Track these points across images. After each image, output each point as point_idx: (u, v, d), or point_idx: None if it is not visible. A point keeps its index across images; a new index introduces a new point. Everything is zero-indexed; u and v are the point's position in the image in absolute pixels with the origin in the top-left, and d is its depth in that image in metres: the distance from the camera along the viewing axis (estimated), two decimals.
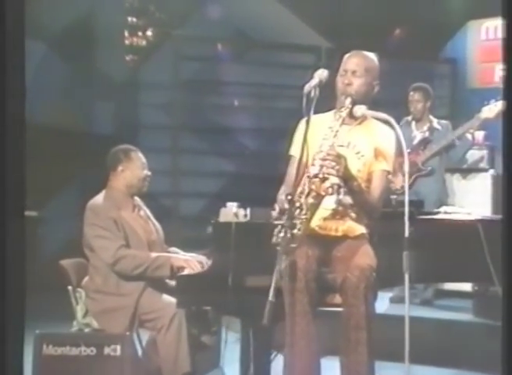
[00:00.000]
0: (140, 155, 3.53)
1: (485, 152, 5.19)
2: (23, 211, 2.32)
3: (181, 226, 6.70)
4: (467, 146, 4.82)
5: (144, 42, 7.38)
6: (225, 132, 7.30)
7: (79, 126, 6.88)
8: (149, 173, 3.52)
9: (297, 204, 2.56)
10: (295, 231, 2.53)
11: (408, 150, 4.91)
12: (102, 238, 3.33)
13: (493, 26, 7.63)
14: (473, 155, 5.15)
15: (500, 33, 7.57)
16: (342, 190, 2.69)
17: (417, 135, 4.91)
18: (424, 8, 7.14)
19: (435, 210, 3.52)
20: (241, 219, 2.94)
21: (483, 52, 7.61)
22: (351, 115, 2.80)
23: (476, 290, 4.36)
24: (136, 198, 3.56)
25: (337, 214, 2.75)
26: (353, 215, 2.76)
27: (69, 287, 3.41)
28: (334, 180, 2.63)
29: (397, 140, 2.79)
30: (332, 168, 2.56)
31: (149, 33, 7.42)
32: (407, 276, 2.44)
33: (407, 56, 7.43)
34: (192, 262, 3.29)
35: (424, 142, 4.86)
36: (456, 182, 5.07)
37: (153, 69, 7.14)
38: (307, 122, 2.89)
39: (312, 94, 2.63)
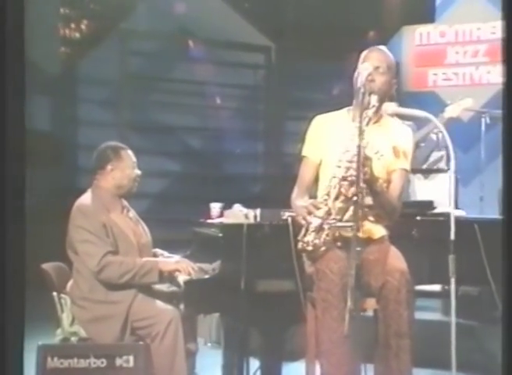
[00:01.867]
0: (130, 153, 3.27)
1: (443, 153, 5.23)
2: (23, 211, 2.20)
3: None
4: (431, 146, 4.84)
5: (78, 35, 7.01)
6: (169, 131, 7.06)
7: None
8: (139, 173, 3.27)
9: (325, 208, 2.43)
10: (323, 236, 2.41)
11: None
12: (89, 243, 3.04)
13: (426, 32, 7.79)
14: (433, 155, 5.18)
15: (432, 39, 7.78)
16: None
17: None
18: (360, 12, 7.20)
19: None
20: (251, 220, 2.77)
21: (417, 57, 7.76)
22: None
23: (446, 289, 4.38)
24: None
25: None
26: (371, 217, 2.63)
27: (54, 294, 3.13)
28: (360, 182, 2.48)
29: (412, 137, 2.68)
30: (357, 171, 2.41)
31: (84, 25, 7.07)
32: (453, 281, 2.34)
33: (344, 58, 7.47)
34: (183, 263, 3.07)
35: None
36: (417, 182, 5.08)
37: (93, 64, 6.80)
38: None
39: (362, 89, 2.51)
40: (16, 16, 2.20)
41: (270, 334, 2.66)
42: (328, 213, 2.44)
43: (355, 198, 2.38)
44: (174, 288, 3.12)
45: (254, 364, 2.89)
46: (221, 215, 3.68)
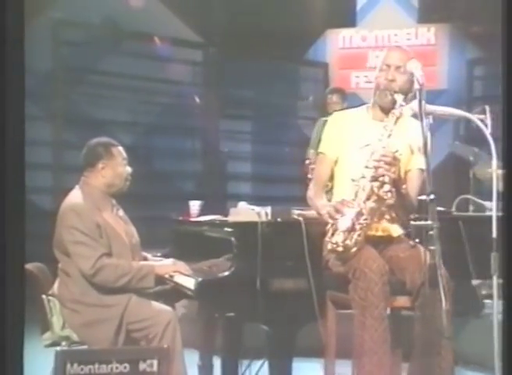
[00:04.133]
0: (121, 150, 3.09)
1: None
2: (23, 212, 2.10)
3: None
4: None
5: None
6: (98, 125, 6.77)
7: None
8: (130, 171, 3.11)
9: (357, 208, 2.40)
10: (355, 236, 2.38)
11: None
12: (82, 245, 2.85)
13: (349, 36, 8.00)
14: None
15: (355, 43, 7.99)
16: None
17: None
18: (287, 14, 7.26)
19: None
20: (263, 218, 2.70)
21: (341, 59, 7.95)
22: (387, 111, 2.61)
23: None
24: None
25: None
26: (387, 216, 2.61)
27: (44, 296, 2.92)
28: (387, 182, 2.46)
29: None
30: (388, 171, 2.41)
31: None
32: (495, 278, 2.33)
33: (274, 59, 7.51)
34: (180, 266, 2.96)
35: None
36: None
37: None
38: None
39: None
40: (16, 16, 2.13)
41: (283, 333, 2.59)
42: (360, 214, 2.41)
43: (389, 198, 2.37)
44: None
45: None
46: (201, 213, 3.59)
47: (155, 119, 7.07)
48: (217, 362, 3.34)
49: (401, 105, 2.53)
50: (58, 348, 2.41)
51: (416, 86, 2.32)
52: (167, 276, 2.97)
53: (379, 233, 2.59)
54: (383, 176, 2.41)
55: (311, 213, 2.76)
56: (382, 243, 2.54)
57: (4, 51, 2.12)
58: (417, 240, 2.26)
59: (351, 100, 7.75)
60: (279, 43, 7.19)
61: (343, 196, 2.58)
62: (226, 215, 3.07)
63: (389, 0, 8.04)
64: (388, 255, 2.51)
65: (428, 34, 7.90)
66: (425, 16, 7.89)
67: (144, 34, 6.82)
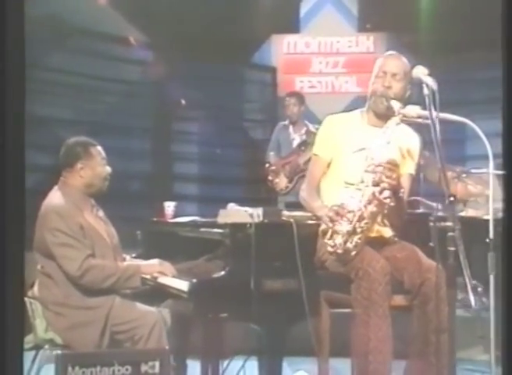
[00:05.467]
0: (100, 149, 3.01)
1: None
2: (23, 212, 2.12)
3: None
4: None
5: None
6: (40, 122, 6.54)
7: None
8: (110, 170, 3.03)
9: (359, 212, 2.43)
10: (355, 239, 2.41)
11: (289, 152, 5.09)
12: (67, 247, 2.77)
13: (293, 42, 8.08)
14: None
15: (299, 49, 8.08)
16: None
17: (296, 138, 5.03)
18: (232, 18, 7.28)
19: None
20: (256, 219, 2.69)
21: (285, 64, 8.02)
22: (381, 117, 2.66)
23: None
24: None
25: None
26: (378, 219, 2.62)
27: (26, 299, 2.82)
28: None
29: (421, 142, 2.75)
30: (389, 177, 2.44)
31: None
32: (492, 278, 2.38)
33: (221, 61, 7.49)
34: (166, 266, 2.91)
35: (304, 144, 4.97)
36: None
37: None
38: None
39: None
40: (16, 16, 2.16)
41: (275, 333, 2.60)
42: (362, 217, 2.44)
43: (389, 202, 2.41)
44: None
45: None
46: (175, 214, 3.55)
47: (101, 118, 6.90)
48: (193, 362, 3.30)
49: (399, 113, 2.55)
50: (58, 352, 2.31)
51: (425, 91, 2.32)
52: (149, 277, 2.92)
53: (373, 235, 2.63)
54: (383, 182, 2.44)
55: (301, 214, 2.78)
56: (376, 244, 2.58)
57: (4, 50, 2.07)
58: (431, 243, 2.29)
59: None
60: (227, 46, 7.18)
61: (334, 198, 2.61)
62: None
63: (331, 8, 8.18)
64: (384, 255, 2.55)
65: (368, 43, 8.11)
66: (364, 24, 8.08)
67: (90, 32, 6.64)
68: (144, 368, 2.29)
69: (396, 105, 2.56)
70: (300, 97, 5.18)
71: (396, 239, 2.68)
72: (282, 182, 4.79)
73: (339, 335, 2.63)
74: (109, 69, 6.74)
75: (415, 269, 2.50)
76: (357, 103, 8.03)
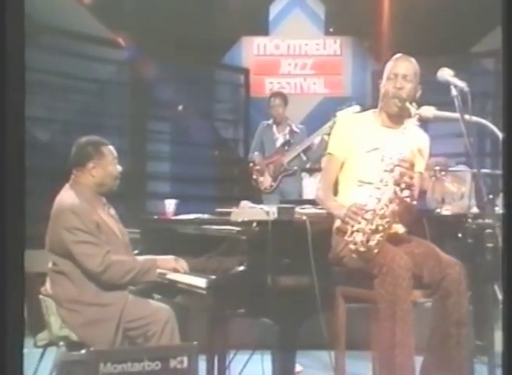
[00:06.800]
0: (111, 148, 3.00)
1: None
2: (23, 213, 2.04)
3: None
4: (324, 147, 5.07)
5: None
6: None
7: None
8: (120, 169, 3.02)
9: (381, 211, 2.48)
10: (377, 237, 2.46)
11: (273, 151, 5.12)
12: (87, 244, 2.76)
13: (263, 44, 8.15)
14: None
15: (268, 50, 8.15)
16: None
17: (280, 138, 5.06)
18: (203, 20, 7.28)
19: None
20: (272, 217, 2.71)
21: (255, 66, 8.08)
22: (394, 117, 2.72)
23: None
24: None
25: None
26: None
27: (40, 296, 2.78)
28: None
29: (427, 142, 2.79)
30: (409, 176, 2.49)
31: None
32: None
33: (193, 62, 7.48)
34: (181, 262, 2.94)
35: (287, 144, 5.01)
36: (305, 180, 5.30)
37: None
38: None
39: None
40: (16, 16, 2.04)
41: (290, 328, 2.64)
42: (383, 216, 2.48)
43: (410, 201, 2.47)
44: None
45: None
46: (177, 212, 3.55)
47: (73, 116, 6.80)
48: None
49: (416, 114, 2.58)
50: (91, 349, 2.29)
51: (454, 93, 2.35)
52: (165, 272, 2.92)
53: (390, 232, 2.61)
54: (404, 181, 2.48)
55: (315, 212, 2.82)
56: (393, 241, 2.60)
57: (4, 51, 2.04)
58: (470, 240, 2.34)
59: (265, 105, 7.96)
60: (198, 47, 7.18)
61: (349, 196, 2.66)
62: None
63: (299, 12, 8.28)
64: (403, 251, 2.56)
65: (335, 46, 8.24)
66: (330, 28, 8.20)
67: (62, 30, 6.53)
68: (172, 363, 2.30)
69: (413, 107, 2.60)
70: (284, 97, 5.23)
71: (407, 235, 2.72)
72: (266, 181, 4.83)
73: (351, 329, 2.68)
74: (82, 68, 6.65)
75: (435, 265, 2.54)
76: (324, 104, 8.18)
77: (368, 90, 7.98)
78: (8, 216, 2.01)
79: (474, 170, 2.34)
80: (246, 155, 7.76)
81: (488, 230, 2.87)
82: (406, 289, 2.37)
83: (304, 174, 5.10)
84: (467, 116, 2.31)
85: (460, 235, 2.98)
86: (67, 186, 2.93)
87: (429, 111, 2.57)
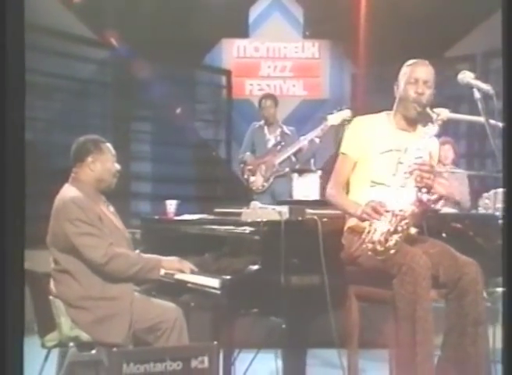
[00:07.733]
0: (110, 146, 2.99)
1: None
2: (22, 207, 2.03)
3: None
4: (314, 149, 5.09)
5: None
6: None
7: None
8: (119, 168, 3.00)
9: (401, 212, 2.48)
10: (396, 237, 2.47)
11: (264, 152, 5.11)
12: (90, 236, 2.74)
13: (243, 46, 8.16)
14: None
15: (248, 53, 8.15)
16: None
17: (271, 139, 5.07)
18: (184, 23, 7.24)
19: None
20: (284, 218, 2.71)
21: (236, 68, 8.08)
22: (409, 121, 2.74)
23: None
24: None
25: None
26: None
27: (51, 297, 2.73)
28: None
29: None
30: (429, 179, 2.51)
31: None
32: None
33: (175, 63, 7.43)
34: (185, 263, 2.91)
35: (279, 145, 5.02)
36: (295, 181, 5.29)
37: None
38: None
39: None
40: (16, 16, 2.05)
41: (302, 327, 2.64)
42: (403, 217, 2.49)
43: (433, 205, 2.49)
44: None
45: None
46: (177, 213, 3.51)
47: (55, 115, 6.69)
48: None
49: (440, 120, 2.61)
50: (114, 349, 2.26)
51: (477, 95, 2.32)
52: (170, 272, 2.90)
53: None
54: (425, 184, 2.51)
55: (325, 212, 2.83)
56: (407, 240, 2.59)
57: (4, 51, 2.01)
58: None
59: (245, 106, 7.99)
60: (180, 48, 7.14)
61: (360, 197, 2.67)
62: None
63: (278, 15, 8.32)
64: (425, 250, 2.58)
65: (313, 49, 8.30)
66: (307, 31, 8.24)
67: (44, 29, 6.39)
68: (193, 363, 2.29)
69: (434, 113, 2.62)
70: (274, 99, 5.24)
71: (418, 236, 2.74)
72: (258, 181, 4.82)
73: (363, 327, 2.70)
74: (64, 68, 6.56)
75: (451, 264, 2.55)
76: (303, 106, 8.23)
77: (345, 92, 8.08)
78: (8, 215, 1.98)
79: (500, 174, 2.36)
80: (227, 155, 7.80)
81: (488, 230, 2.93)
82: (426, 288, 2.38)
83: (293, 175, 5.09)
84: (491, 120, 2.29)
85: (458, 234, 3.04)
86: (66, 185, 2.91)
87: (445, 113, 2.60)
